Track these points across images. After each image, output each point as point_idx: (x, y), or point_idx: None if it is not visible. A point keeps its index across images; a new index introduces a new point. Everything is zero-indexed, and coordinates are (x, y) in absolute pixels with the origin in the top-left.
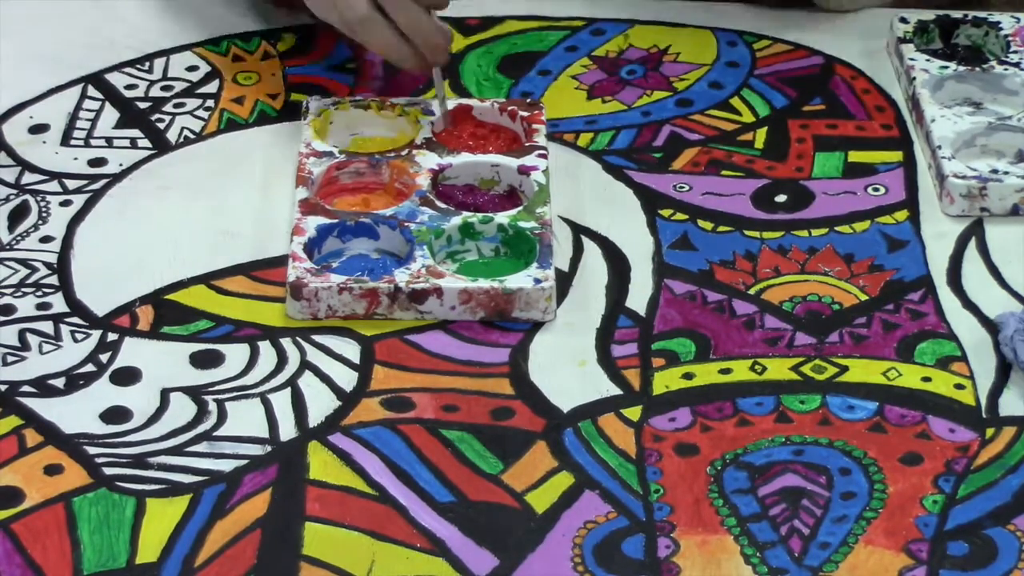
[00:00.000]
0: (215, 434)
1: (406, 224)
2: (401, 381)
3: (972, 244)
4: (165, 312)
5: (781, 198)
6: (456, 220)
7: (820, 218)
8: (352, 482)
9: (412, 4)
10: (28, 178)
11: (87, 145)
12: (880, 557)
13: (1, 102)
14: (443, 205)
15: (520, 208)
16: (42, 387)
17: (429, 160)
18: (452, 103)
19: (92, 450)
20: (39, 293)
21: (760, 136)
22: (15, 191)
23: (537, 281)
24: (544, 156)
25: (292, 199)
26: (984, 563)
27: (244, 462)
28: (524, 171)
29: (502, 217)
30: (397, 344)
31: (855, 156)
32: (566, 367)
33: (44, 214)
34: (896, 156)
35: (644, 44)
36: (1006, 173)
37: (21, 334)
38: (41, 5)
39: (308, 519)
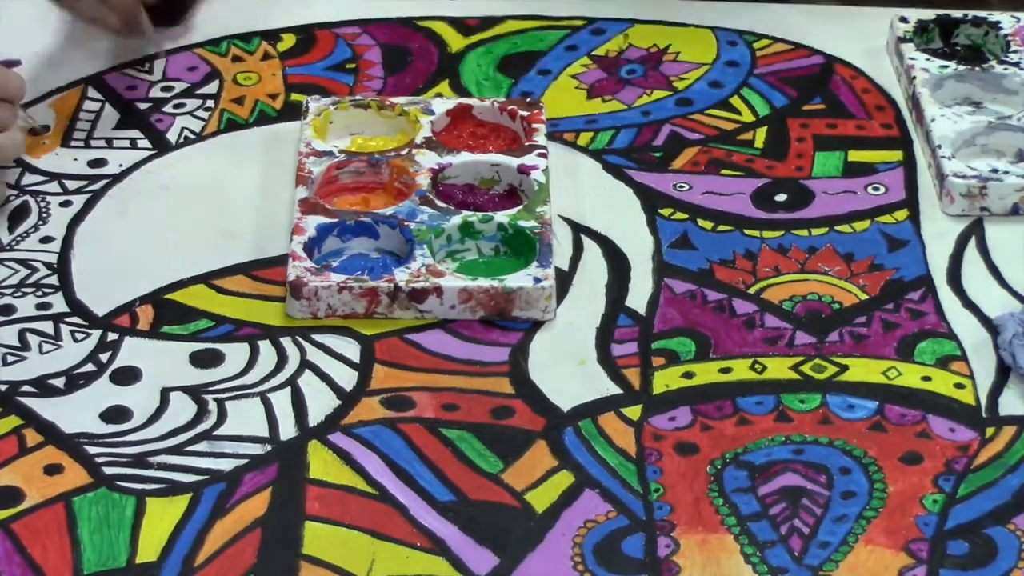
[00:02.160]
0: (215, 433)
1: (406, 223)
2: (401, 380)
3: (972, 243)
4: (165, 312)
5: (781, 197)
6: (456, 219)
7: (820, 217)
8: (352, 481)
9: None
10: (28, 179)
11: (87, 146)
12: (880, 556)
13: None
14: (443, 204)
15: (520, 207)
16: (42, 387)
17: (429, 159)
18: (452, 102)
19: (92, 450)
20: (39, 293)
21: (760, 135)
22: (15, 192)
23: (537, 280)
24: (544, 155)
25: (292, 199)
26: (984, 562)
27: (244, 461)
28: (524, 170)
29: (502, 216)
30: (397, 343)
31: (855, 155)
32: (566, 366)
33: (44, 215)
34: (896, 155)
35: (644, 43)
36: (1006, 173)
37: (21, 334)
38: (41, 6)
39: (308, 518)
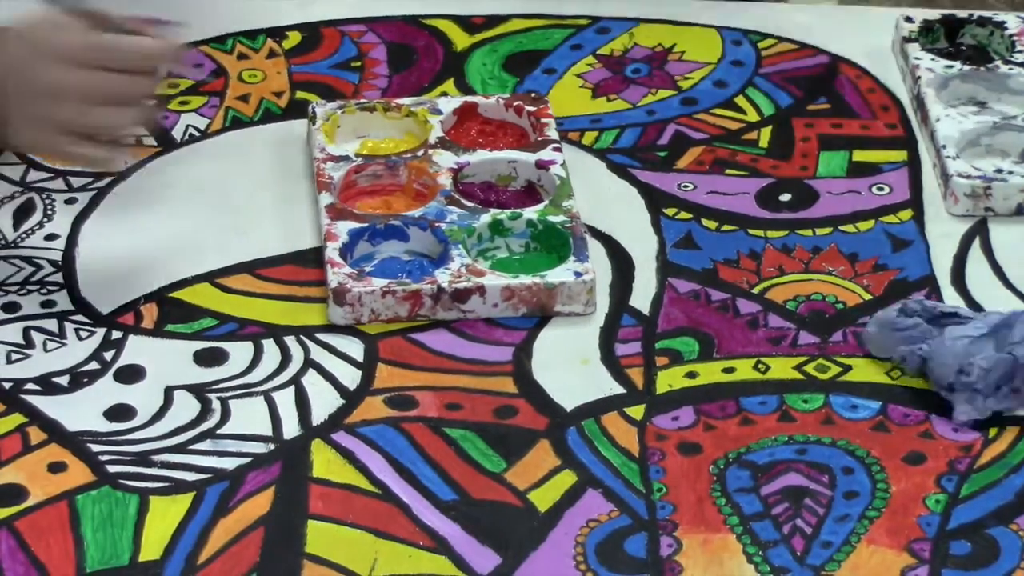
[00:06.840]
0: (218, 432)
1: (437, 224)
2: (404, 379)
3: (976, 244)
4: (169, 310)
5: (785, 197)
6: (485, 218)
7: (824, 217)
8: (355, 480)
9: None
10: (33, 176)
11: None
12: (883, 556)
13: None
14: (469, 204)
15: (546, 203)
16: (46, 385)
17: (446, 159)
18: (459, 101)
19: (96, 448)
20: (44, 291)
21: (764, 135)
22: (20, 189)
23: (578, 275)
24: (559, 150)
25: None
26: (986, 562)
27: (247, 460)
28: (542, 166)
29: (530, 212)
30: (401, 342)
31: (860, 155)
32: (569, 365)
33: (49, 212)
34: (901, 155)
35: (649, 43)
36: (1010, 173)
37: (26, 332)
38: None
39: (311, 517)
